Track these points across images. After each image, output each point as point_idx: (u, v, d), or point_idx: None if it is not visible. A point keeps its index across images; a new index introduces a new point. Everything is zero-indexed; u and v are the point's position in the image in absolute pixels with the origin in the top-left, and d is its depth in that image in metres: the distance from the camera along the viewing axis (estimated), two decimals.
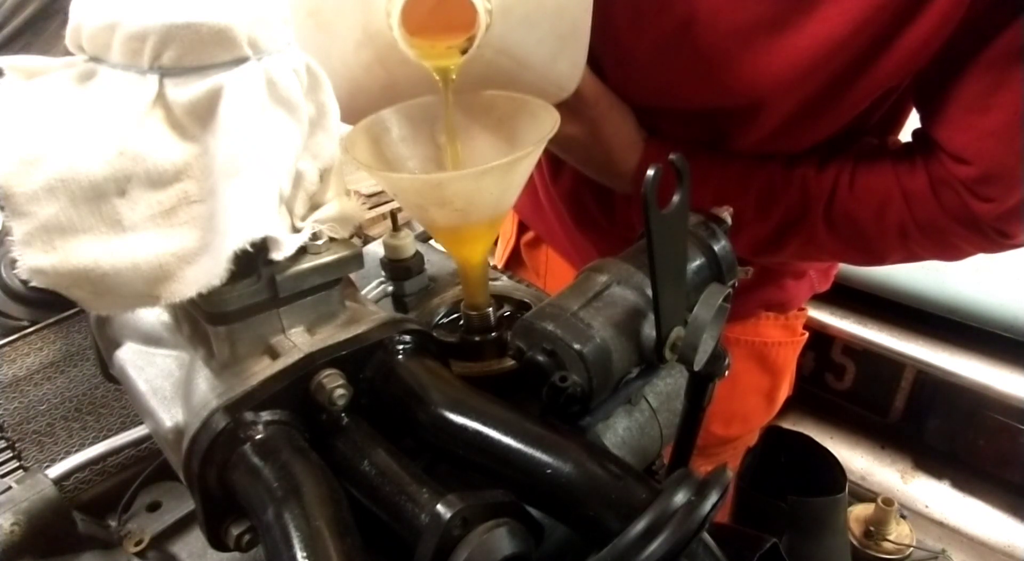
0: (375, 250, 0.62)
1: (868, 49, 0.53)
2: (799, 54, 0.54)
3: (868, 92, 0.58)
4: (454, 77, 0.46)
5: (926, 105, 0.61)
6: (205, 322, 0.40)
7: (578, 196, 0.79)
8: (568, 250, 0.90)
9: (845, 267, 1.35)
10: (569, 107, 0.58)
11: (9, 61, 0.38)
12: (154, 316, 0.46)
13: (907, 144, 0.65)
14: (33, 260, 0.34)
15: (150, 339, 0.46)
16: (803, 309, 0.89)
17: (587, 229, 0.81)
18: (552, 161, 0.80)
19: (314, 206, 0.42)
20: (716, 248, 0.49)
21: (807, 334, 0.91)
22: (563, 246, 0.90)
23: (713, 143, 0.65)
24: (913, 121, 0.66)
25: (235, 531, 0.37)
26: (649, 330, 0.42)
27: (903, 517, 1.24)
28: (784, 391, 0.93)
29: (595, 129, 0.63)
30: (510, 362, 0.47)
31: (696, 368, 0.41)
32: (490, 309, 0.49)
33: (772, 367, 0.88)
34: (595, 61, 0.58)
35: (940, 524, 1.36)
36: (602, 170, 0.68)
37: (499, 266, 1.02)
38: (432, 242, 0.71)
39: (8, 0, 1.09)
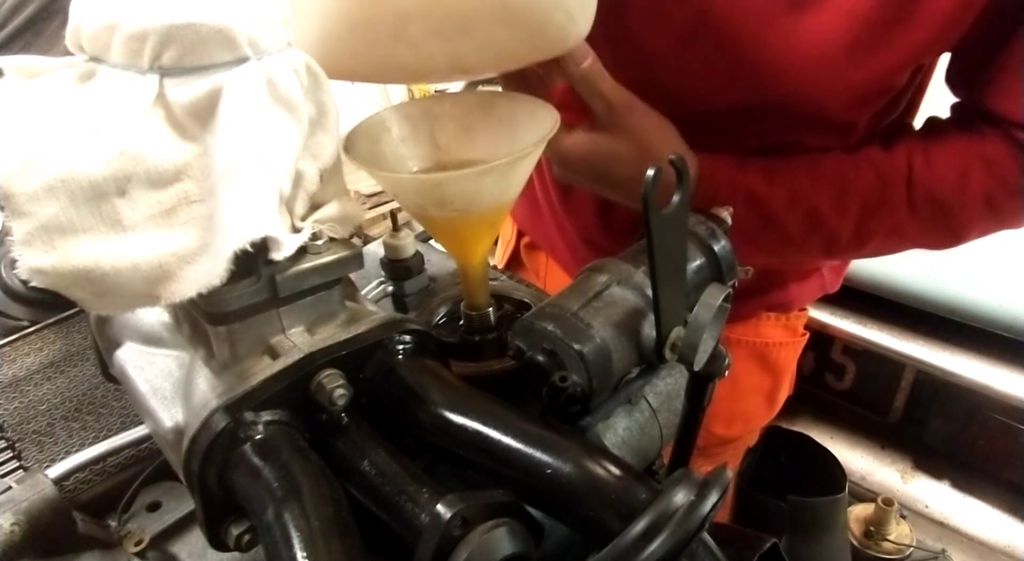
0: (375, 250, 0.62)
1: (893, 19, 0.52)
2: (822, 32, 0.53)
3: (897, 67, 0.56)
4: None
5: (973, 80, 0.59)
6: (205, 322, 0.40)
7: (584, 210, 0.78)
8: (568, 261, 0.89)
9: (848, 264, 1.35)
10: (605, 123, 0.57)
11: (9, 61, 0.38)
12: (154, 316, 0.46)
13: (957, 117, 0.64)
14: (33, 260, 0.34)
15: (150, 339, 0.46)
16: (804, 309, 0.89)
17: (592, 245, 0.81)
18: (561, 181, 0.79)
19: (314, 206, 0.42)
20: (716, 248, 0.49)
21: (808, 334, 0.91)
22: (563, 257, 0.90)
23: (740, 144, 0.63)
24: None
25: (235, 531, 0.37)
26: (649, 330, 0.42)
27: (903, 517, 1.24)
28: (785, 391, 0.93)
29: (640, 140, 0.58)
30: (510, 362, 0.47)
31: (696, 368, 0.41)
32: (490, 309, 0.49)
33: (773, 367, 0.88)
34: (613, 64, 0.57)
35: (940, 524, 1.35)
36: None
37: (499, 266, 1.02)
38: (432, 242, 0.71)
39: (8, 0, 1.09)
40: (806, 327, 0.90)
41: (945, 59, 0.62)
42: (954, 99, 0.65)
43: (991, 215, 0.61)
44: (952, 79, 0.62)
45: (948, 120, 0.65)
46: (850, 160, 0.62)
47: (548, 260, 0.95)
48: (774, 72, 0.56)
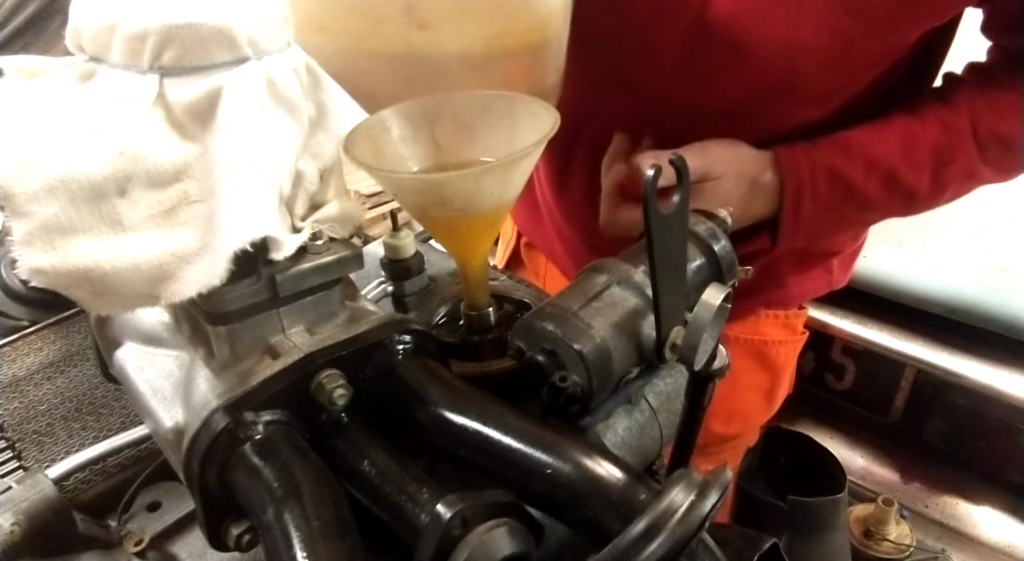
0: (375, 250, 0.62)
1: None
2: (821, 15, 0.54)
3: (909, 30, 0.58)
4: None
5: (1014, 26, 0.61)
6: (205, 322, 0.40)
7: (583, 213, 0.78)
8: (567, 264, 0.89)
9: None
10: (712, 192, 0.59)
11: (9, 61, 0.38)
12: (154, 316, 0.46)
13: (1002, 59, 0.66)
14: (33, 260, 0.34)
15: (150, 339, 0.46)
16: (804, 308, 0.89)
17: (590, 247, 0.81)
18: (556, 176, 0.79)
19: (314, 206, 0.42)
20: (716, 248, 0.49)
21: (807, 333, 0.91)
22: (561, 260, 0.90)
23: (751, 132, 0.64)
24: None
25: (235, 531, 0.37)
26: (649, 330, 0.42)
27: (903, 517, 1.24)
28: (784, 390, 0.93)
29: (727, 170, 0.60)
30: (510, 362, 0.47)
31: (696, 368, 0.41)
32: (490, 309, 0.49)
33: (772, 365, 0.88)
34: (615, 60, 0.57)
35: (940, 524, 1.35)
36: (759, 208, 0.65)
37: (499, 266, 1.02)
38: (432, 242, 0.71)
39: (8, 0, 1.09)
40: (805, 326, 0.90)
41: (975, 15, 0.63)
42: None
43: None
44: (991, 28, 0.64)
45: (992, 63, 0.67)
46: (915, 118, 0.63)
47: (548, 260, 0.95)
48: (777, 56, 0.57)
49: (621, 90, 0.67)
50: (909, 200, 0.66)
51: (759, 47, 0.57)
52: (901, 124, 0.64)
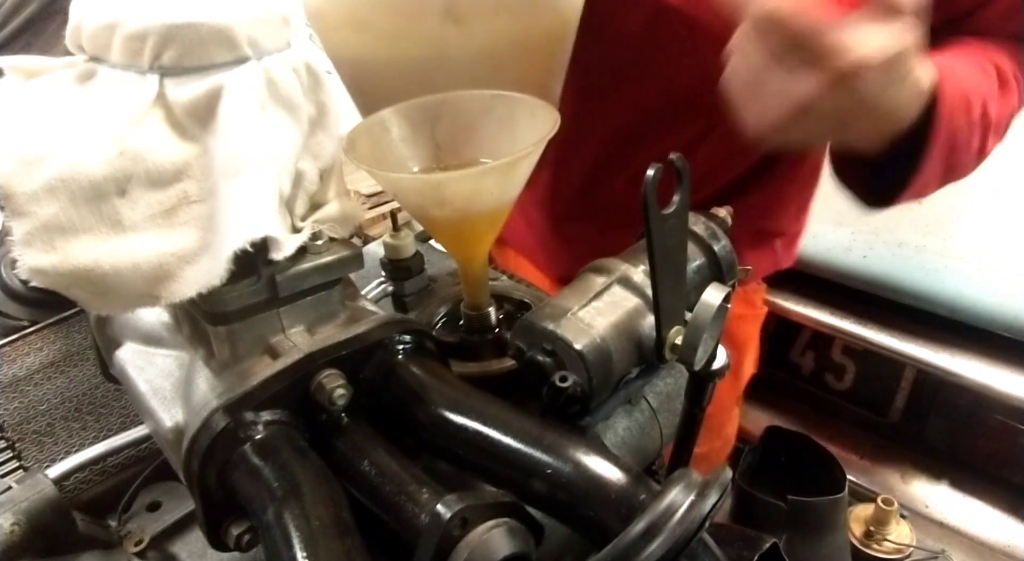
0: (375, 250, 0.62)
1: None
2: None
3: None
4: None
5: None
6: (205, 322, 0.40)
7: (551, 199, 0.78)
8: (537, 255, 0.89)
9: (846, 266, 1.35)
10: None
11: (9, 61, 0.38)
12: (154, 316, 0.46)
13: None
14: (33, 260, 0.34)
15: (150, 339, 0.46)
16: (761, 284, 0.91)
17: (561, 234, 0.81)
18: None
19: (314, 206, 0.42)
20: (716, 248, 0.49)
21: (767, 308, 0.93)
22: (531, 251, 0.90)
23: (708, 122, 0.64)
24: None
25: (235, 531, 0.37)
26: (649, 330, 0.42)
27: (903, 517, 1.24)
28: (748, 368, 0.95)
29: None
30: (510, 362, 0.47)
31: (696, 368, 0.41)
32: (490, 309, 0.49)
33: (733, 341, 0.89)
34: (590, 47, 0.57)
35: (940, 524, 1.35)
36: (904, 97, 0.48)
37: None
38: (432, 242, 0.71)
39: (8, 0, 1.10)
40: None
41: None
42: None
43: None
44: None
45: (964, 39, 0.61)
46: (977, 62, 0.57)
47: (517, 254, 0.95)
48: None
49: (581, 76, 0.65)
50: (985, 138, 0.57)
51: (715, 32, 0.51)
52: (971, 67, 0.55)
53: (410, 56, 0.52)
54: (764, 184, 0.78)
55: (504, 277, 0.64)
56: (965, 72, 0.55)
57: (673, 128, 0.67)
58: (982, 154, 0.59)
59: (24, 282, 0.52)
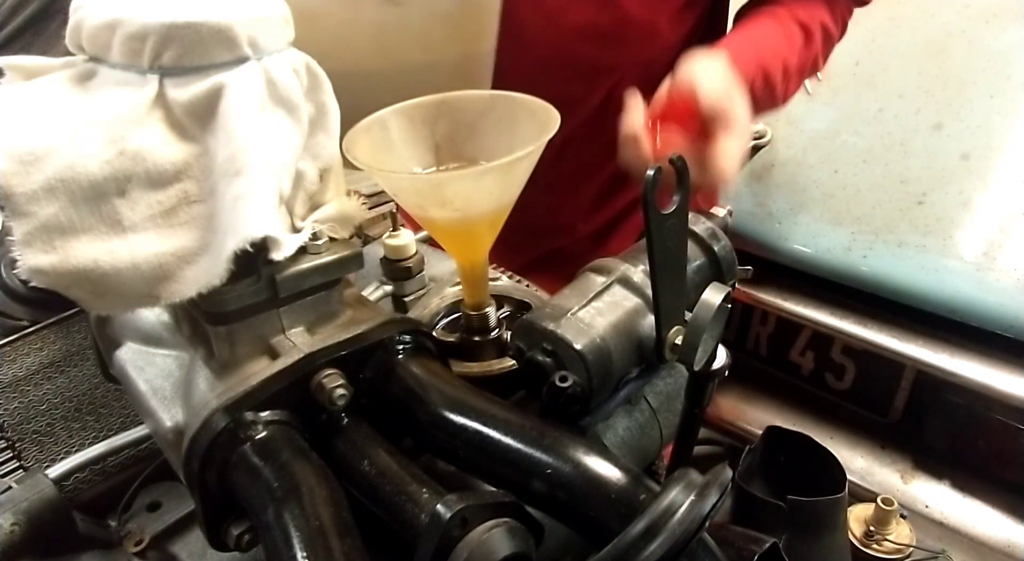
0: (375, 250, 0.62)
1: None
2: None
3: None
4: None
5: None
6: (205, 322, 0.40)
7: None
8: (502, 253, 0.90)
9: (846, 266, 1.34)
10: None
11: (9, 61, 0.38)
12: (154, 316, 0.46)
13: None
14: (33, 260, 0.34)
15: (150, 339, 0.46)
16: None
17: (527, 226, 0.83)
18: None
19: (314, 206, 0.42)
20: (716, 248, 0.49)
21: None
22: (496, 248, 0.91)
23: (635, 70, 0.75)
24: None
25: (235, 531, 0.37)
26: (649, 330, 0.42)
27: (903, 517, 1.24)
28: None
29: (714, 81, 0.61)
30: (510, 362, 0.47)
31: (696, 368, 0.41)
32: (490, 309, 0.49)
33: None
34: (539, 38, 0.69)
35: (940, 524, 1.35)
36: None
37: None
38: (432, 242, 0.71)
39: (8, 0, 1.10)
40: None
41: None
42: None
43: None
44: None
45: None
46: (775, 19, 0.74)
47: None
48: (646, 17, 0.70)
49: (532, 62, 0.76)
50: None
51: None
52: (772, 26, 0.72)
53: (356, 47, 0.61)
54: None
55: (504, 277, 0.64)
56: (766, 45, 0.72)
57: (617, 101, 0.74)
58: (790, 94, 0.77)
59: (24, 282, 0.52)
